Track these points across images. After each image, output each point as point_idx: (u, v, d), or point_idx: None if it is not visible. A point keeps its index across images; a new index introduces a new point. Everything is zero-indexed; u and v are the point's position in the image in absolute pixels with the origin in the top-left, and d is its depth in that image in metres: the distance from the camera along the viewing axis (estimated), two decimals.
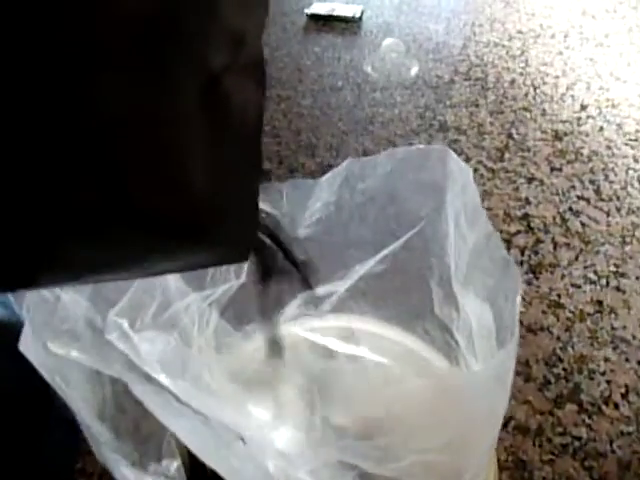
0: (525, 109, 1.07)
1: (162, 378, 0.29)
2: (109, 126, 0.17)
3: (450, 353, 0.49)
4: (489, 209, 0.86)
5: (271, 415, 0.40)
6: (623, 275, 0.76)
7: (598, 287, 0.75)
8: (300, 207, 0.50)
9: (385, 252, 0.50)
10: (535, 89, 1.12)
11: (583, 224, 0.83)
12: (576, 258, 0.78)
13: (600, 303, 0.73)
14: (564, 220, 0.84)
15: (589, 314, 0.71)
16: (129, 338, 0.29)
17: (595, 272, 0.76)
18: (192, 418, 0.28)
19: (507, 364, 0.33)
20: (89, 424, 0.29)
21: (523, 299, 0.73)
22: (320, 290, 0.52)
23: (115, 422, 0.32)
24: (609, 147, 0.97)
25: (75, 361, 0.29)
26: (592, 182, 0.90)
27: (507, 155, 0.96)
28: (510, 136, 1.00)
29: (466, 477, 0.34)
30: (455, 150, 0.97)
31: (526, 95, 1.10)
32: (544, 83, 1.13)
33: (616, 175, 0.92)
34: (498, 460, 0.58)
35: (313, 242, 0.49)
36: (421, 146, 0.49)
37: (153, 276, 0.23)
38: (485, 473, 0.36)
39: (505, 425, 0.60)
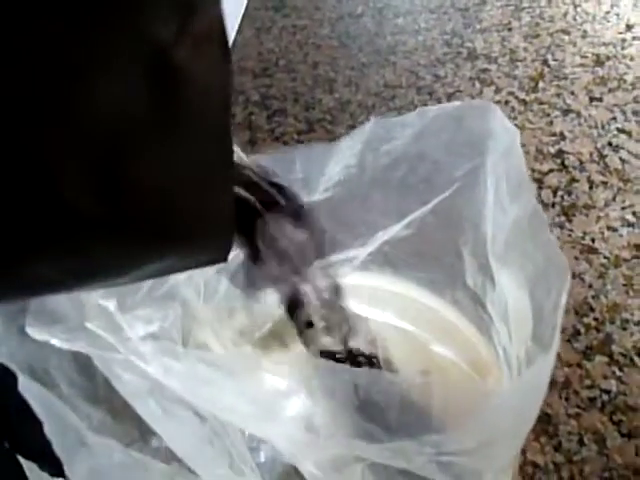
0: (563, 31, 0.97)
1: (155, 367, 0.27)
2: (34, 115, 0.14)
3: (482, 326, 0.46)
4: (520, 145, 0.80)
5: (285, 378, 0.38)
6: None
7: (636, 230, 0.70)
8: (316, 172, 0.45)
9: (411, 217, 0.46)
10: (575, 7, 1.01)
11: (623, 160, 0.77)
12: (613, 198, 0.73)
13: (638, 247, 0.68)
14: (602, 156, 0.78)
15: (625, 260, 0.67)
16: (116, 325, 0.27)
17: (634, 213, 0.71)
18: (183, 421, 0.26)
19: (543, 376, 0.30)
20: (77, 408, 0.27)
21: None
22: (340, 256, 0.49)
23: (109, 402, 0.30)
24: None
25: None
26: (635, 113, 0.83)
27: (541, 84, 0.88)
28: (545, 63, 0.92)
29: (487, 477, 0.32)
30: (485, 80, 0.90)
31: (565, 15, 1.00)
32: (585, 0, 1.03)
33: None
34: None
35: (331, 207, 0.45)
36: (459, 103, 0.43)
37: (123, 284, 0.20)
38: (506, 475, 0.34)
39: None
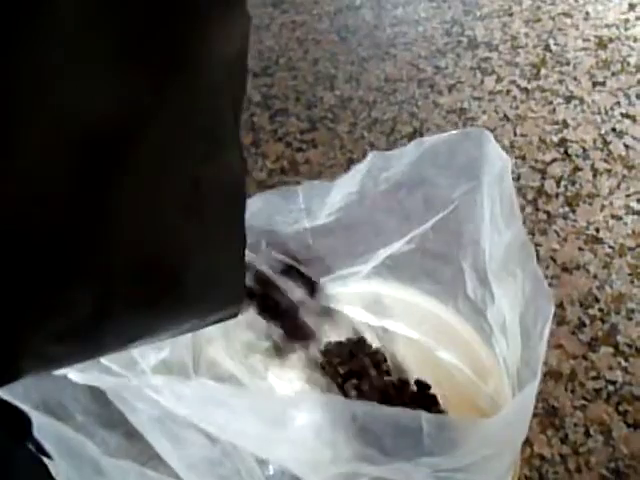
0: (565, 14, 0.96)
1: (167, 397, 0.29)
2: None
3: (483, 335, 0.47)
4: (523, 135, 0.80)
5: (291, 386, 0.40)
6: None
7: None
8: (318, 202, 0.48)
9: (413, 233, 0.47)
10: None
11: (627, 146, 0.77)
12: (618, 186, 0.73)
13: None
14: (606, 143, 0.77)
15: (630, 248, 0.67)
16: (129, 358, 0.28)
17: (638, 200, 0.71)
18: (194, 446, 0.27)
19: (529, 404, 0.31)
20: (93, 435, 0.29)
21: (558, 235, 0.69)
22: (343, 271, 0.50)
23: (124, 425, 0.32)
24: None
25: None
26: (639, 96, 0.82)
27: (543, 71, 0.88)
28: (547, 48, 0.91)
29: None
30: (486, 70, 0.89)
31: None
32: None
33: None
34: None
35: (334, 230, 0.47)
36: (454, 132, 0.45)
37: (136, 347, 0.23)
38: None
39: None
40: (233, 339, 0.45)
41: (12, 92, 0.14)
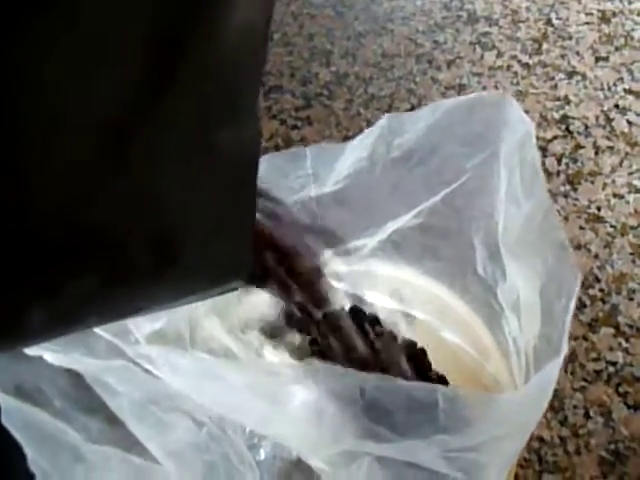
0: None
1: (162, 369, 0.27)
2: None
3: (492, 315, 0.46)
4: (524, 112, 0.78)
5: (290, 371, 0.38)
6: None
7: None
8: (327, 167, 0.46)
9: (422, 206, 0.46)
10: None
11: (630, 123, 0.75)
12: (620, 164, 0.71)
13: None
14: (608, 119, 0.75)
15: (632, 227, 0.66)
16: (123, 328, 0.27)
17: None
18: (179, 430, 0.26)
19: (551, 381, 0.30)
20: (73, 421, 0.28)
21: (559, 214, 0.68)
22: (348, 245, 0.49)
23: (106, 409, 0.30)
24: None
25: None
26: None
27: (545, 46, 0.85)
28: (549, 22, 0.88)
29: (492, 469, 0.32)
30: (486, 44, 0.87)
31: None
32: None
33: None
34: None
35: (340, 199, 0.45)
36: (473, 95, 0.42)
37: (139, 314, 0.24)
38: (511, 465, 0.34)
39: None
40: (230, 314, 0.44)
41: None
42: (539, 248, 0.38)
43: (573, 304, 0.32)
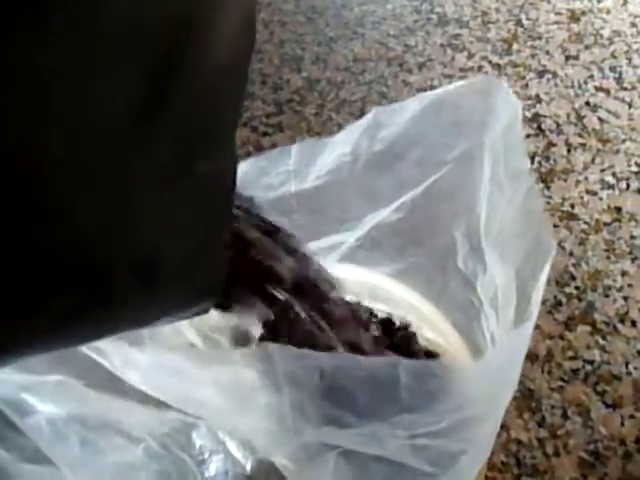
0: None
1: (115, 360, 0.26)
2: None
3: (471, 311, 0.45)
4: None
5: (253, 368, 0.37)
6: None
7: (617, 192, 0.68)
8: (309, 163, 0.45)
9: (402, 200, 0.45)
10: None
11: (601, 120, 0.74)
12: (592, 160, 0.71)
13: (619, 210, 0.66)
14: (580, 117, 0.75)
15: (606, 224, 0.65)
16: None
17: (614, 174, 0.69)
18: (108, 450, 0.24)
19: (518, 348, 0.28)
20: (6, 440, 0.26)
21: None
22: (327, 241, 0.48)
23: None
24: (634, 24, 0.85)
25: None
26: (612, 69, 0.80)
27: (515, 46, 0.85)
28: (519, 23, 0.89)
29: (463, 459, 0.31)
30: (456, 46, 0.87)
31: None
32: None
33: None
34: None
35: (320, 194, 0.44)
36: (460, 83, 0.42)
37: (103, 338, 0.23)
38: (486, 456, 0.33)
39: None
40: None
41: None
42: (519, 229, 0.37)
43: (546, 273, 0.31)
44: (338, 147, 0.45)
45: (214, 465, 0.28)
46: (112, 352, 0.27)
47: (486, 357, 0.27)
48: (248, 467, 0.28)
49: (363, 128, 0.44)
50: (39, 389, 0.24)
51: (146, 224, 0.19)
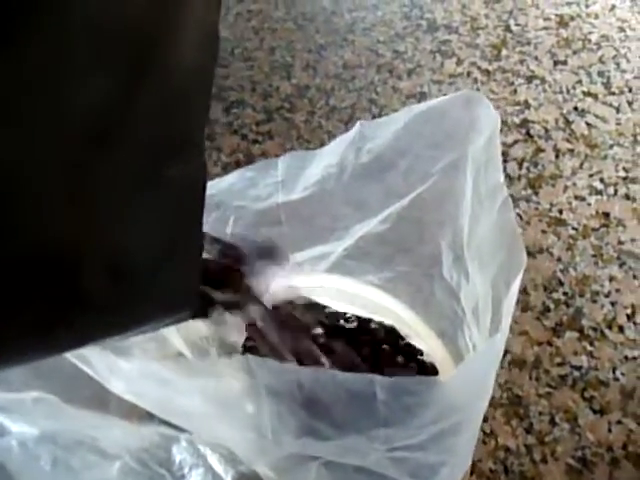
0: None
1: (99, 369, 0.26)
2: None
3: (455, 321, 0.45)
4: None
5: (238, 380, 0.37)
6: (634, 180, 0.69)
7: (605, 197, 0.68)
8: (296, 174, 0.45)
9: (389, 210, 0.45)
10: None
11: (589, 125, 0.75)
12: (580, 166, 0.71)
13: (606, 215, 0.66)
14: (568, 122, 0.76)
15: (594, 229, 0.65)
16: None
17: (602, 180, 0.69)
18: (80, 468, 0.24)
19: (491, 357, 0.29)
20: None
21: (520, 218, 0.67)
22: (314, 252, 0.48)
23: None
24: (622, 29, 0.86)
25: None
26: (601, 74, 0.80)
27: (504, 52, 0.86)
28: (508, 29, 0.89)
29: (443, 472, 0.31)
30: (446, 52, 0.87)
31: None
32: None
33: (629, 62, 0.81)
34: (492, 397, 0.55)
35: (307, 205, 0.45)
36: (445, 97, 0.42)
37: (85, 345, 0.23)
38: (467, 465, 0.33)
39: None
40: (190, 326, 0.43)
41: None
42: (495, 242, 0.37)
43: (518, 283, 0.31)
44: (325, 159, 0.45)
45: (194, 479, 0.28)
46: (98, 361, 0.27)
47: (460, 369, 0.27)
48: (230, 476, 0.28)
49: (349, 140, 0.44)
50: (15, 407, 0.24)
51: (114, 226, 0.19)
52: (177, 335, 0.40)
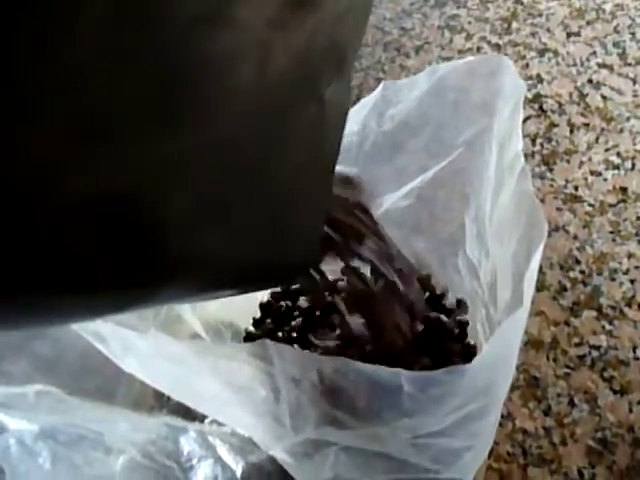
0: None
1: (113, 347, 0.26)
2: None
3: (476, 299, 0.44)
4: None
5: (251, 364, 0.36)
6: None
7: (622, 172, 0.66)
8: None
9: (411, 185, 0.44)
10: None
11: (604, 97, 0.72)
12: (596, 140, 0.69)
13: (624, 190, 0.64)
14: (582, 96, 0.73)
15: (611, 205, 0.63)
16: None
17: (618, 154, 0.67)
18: (82, 464, 0.24)
19: (514, 335, 0.28)
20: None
21: (535, 195, 0.66)
22: None
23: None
24: None
25: None
26: (616, 44, 0.78)
27: (515, 25, 0.83)
28: (518, 1, 0.86)
29: (467, 456, 0.30)
30: (454, 28, 0.85)
31: None
32: None
33: None
34: None
35: None
36: (469, 58, 0.41)
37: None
38: (488, 447, 0.32)
39: None
40: (207, 308, 0.42)
41: None
42: (513, 214, 0.36)
43: (539, 256, 0.29)
44: (347, 125, 0.44)
45: (202, 471, 0.27)
46: (112, 338, 0.26)
47: (485, 350, 0.26)
48: (238, 472, 0.27)
49: (371, 105, 0.43)
50: (16, 403, 0.23)
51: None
52: (192, 315, 0.39)
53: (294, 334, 0.41)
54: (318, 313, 0.41)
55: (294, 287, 0.43)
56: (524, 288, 0.30)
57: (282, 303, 0.44)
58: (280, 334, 0.41)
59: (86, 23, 0.11)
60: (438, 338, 0.40)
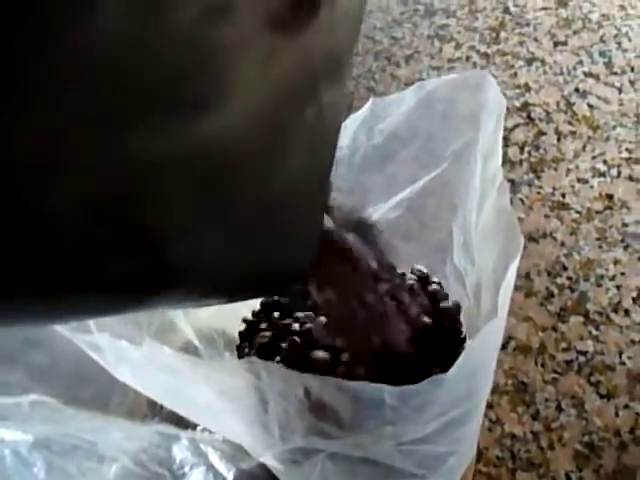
0: None
1: (109, 357, 0.26)
2: None
3: (462, 306, 0.45)
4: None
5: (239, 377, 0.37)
6: (637, 161, 0.68)
7: (608, 179, 0.67)
8: None
9: (400, 196, 0.45)
10: None
11: (591, 106, 0.74)
12: (583, 148, 0.70)
13: (610, 197, 0.65)
14: (569, 104, 0.74)
15: (597, 212, 0.64)
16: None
17: (605, 162, 0.68)
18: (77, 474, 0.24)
19: (491, 344, 0.28)
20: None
21: (523, 203, 0.67)
22: None
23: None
24: (622, 7, 0.84)
25: None
26: (602, 54, 0.79)
27: (503, 34, 0.84)
28: (506, 10, 0.87)
29: (451, 461, 0.31)
30: (444, 37, 0.86)
31: None
32: None
33: (630, 41, 0.80)
34: (497, 385, 0.55)
35: None
36: (454, 75, 0.42)
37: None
38: (473, 452, 0.33)
39: (504, 346, 0.56)
40: (200, 316, 0.42)
41: None
42: (495, 228, 0.37)
43: (515, 266, 0.30)
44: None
45: (194, 478, 0.28)
46: (107, 348, 0.26)
47: (462, 359, 0.27)
48: (230, 479, 0.28)
49: (360, 120, 0.43)
50: (11, 413, 0.24)
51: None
52: (186, 323, 0.39)
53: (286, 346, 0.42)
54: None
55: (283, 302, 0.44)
56: (499, 299, 0.31)
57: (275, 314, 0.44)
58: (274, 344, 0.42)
59: (102, 19, 0.12)
60: (442, 344, 0.41)
